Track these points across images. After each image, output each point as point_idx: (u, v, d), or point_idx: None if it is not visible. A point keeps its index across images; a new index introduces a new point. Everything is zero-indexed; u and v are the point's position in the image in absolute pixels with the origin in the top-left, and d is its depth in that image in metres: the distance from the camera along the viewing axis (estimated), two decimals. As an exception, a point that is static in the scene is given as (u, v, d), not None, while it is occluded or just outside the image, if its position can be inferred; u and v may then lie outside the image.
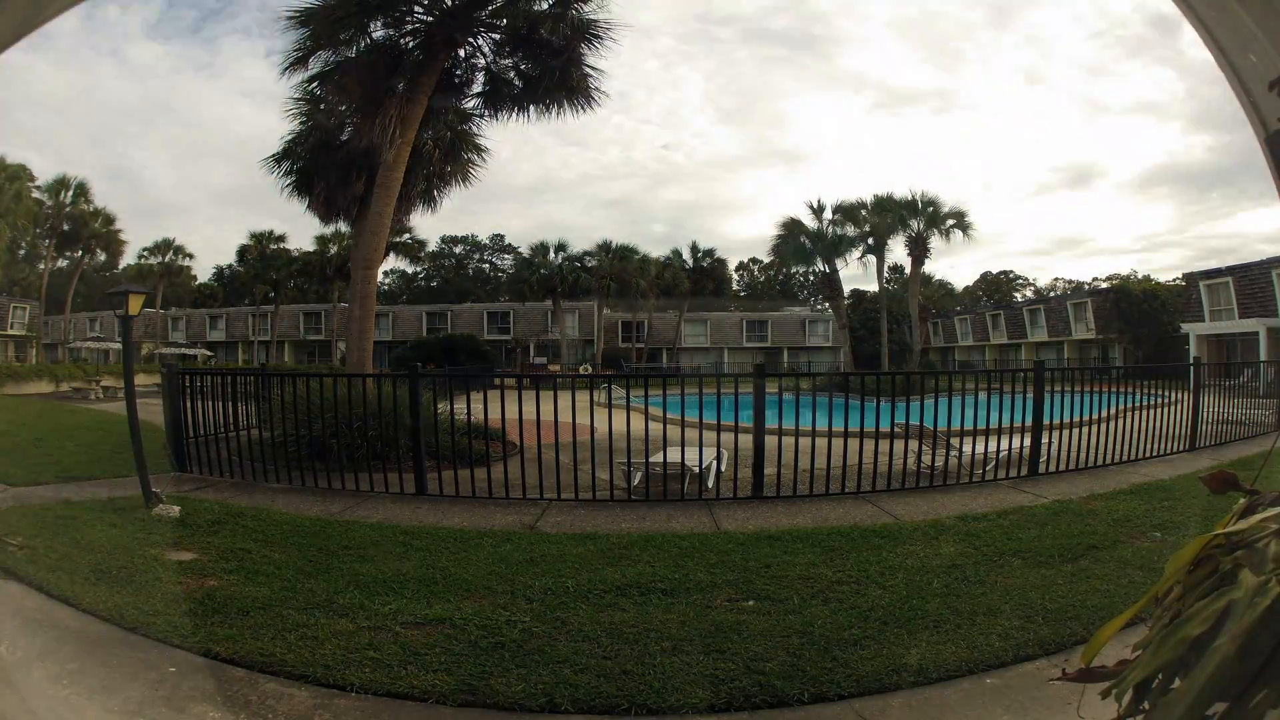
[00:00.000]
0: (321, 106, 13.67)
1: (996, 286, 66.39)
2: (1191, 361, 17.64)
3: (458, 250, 69.26)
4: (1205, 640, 0.90)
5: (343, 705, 2.96)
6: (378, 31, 11.49)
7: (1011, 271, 68.37)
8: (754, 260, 71.41)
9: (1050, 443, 7.85)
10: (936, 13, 67.34)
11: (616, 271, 43.90)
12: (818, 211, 36.96)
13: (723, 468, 7.61)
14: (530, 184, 77.20)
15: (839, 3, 70.17)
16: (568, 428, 9.33)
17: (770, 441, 7.01)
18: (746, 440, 7.71)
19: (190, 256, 49.04)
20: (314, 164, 14.12)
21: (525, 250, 48.71)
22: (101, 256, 44.24)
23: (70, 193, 39.43)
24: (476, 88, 12.59)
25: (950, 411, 7.62)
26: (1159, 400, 9.08)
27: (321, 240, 42.66)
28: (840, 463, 6.87)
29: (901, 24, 71.11)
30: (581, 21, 11.02)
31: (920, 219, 35.70)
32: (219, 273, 56.36)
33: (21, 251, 42.78)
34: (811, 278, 50.98)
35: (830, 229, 36.83)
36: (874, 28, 72.60)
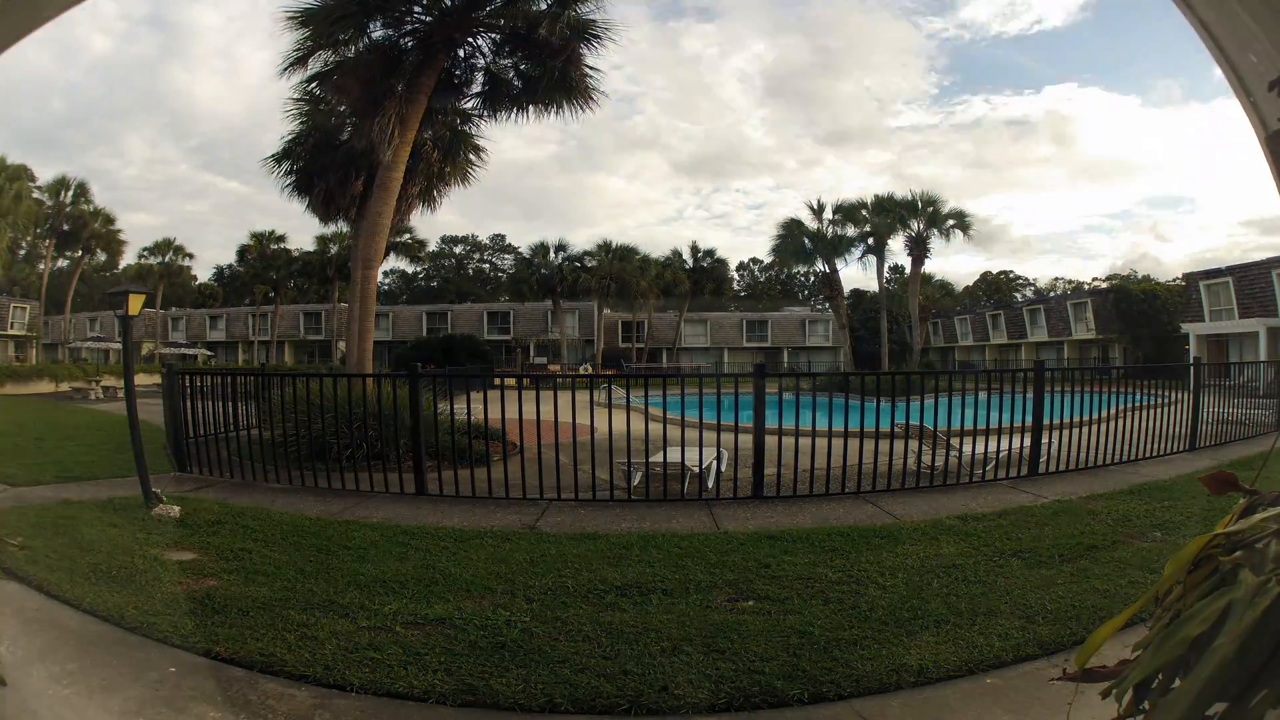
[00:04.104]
0: (321, 107, 13.68)
1: (996, 287, 66.41)
2: (1191, 361, 17.64)
3: (458, 250, 69.31)
4: (1205, 640, 0.90)
5: (343, 705, 2.96)
6: (377, 32, 11.49)
7: (1011, 271, 68.48)
8: (754, 260, 71.52)
9: (1050, 443, 7.85)
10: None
11: (616, 271, 43.93)
12: (818, 211, 36.99)
13: (723, 468, 7.61)
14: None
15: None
16: (568, 428, 9.32)
17: (770, 441, 7.00)
18: (746, 440, 7.71)
19: (190, 256, 49.15)
20: (314, 164, 14.13)
21: (525, 250, 48.78)
22: (101, 256, 44.29)
23: (70, 193, 39.47)
24: (476, 88, 12.60)
25: (950, 411, 7.61)
26: (1159, 400, 9.08)
27: (321, 240, 42.76)
28: (840, 463, 6.87)
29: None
30: (580, 22, 11.01)
31: (920, 219, 35.69)
32: (219, 273, 56.41)
33: (21, 251, 42.81)
34: (811, 278, 50.99)
35: (830, 229, 36.83)
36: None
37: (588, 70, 11.49)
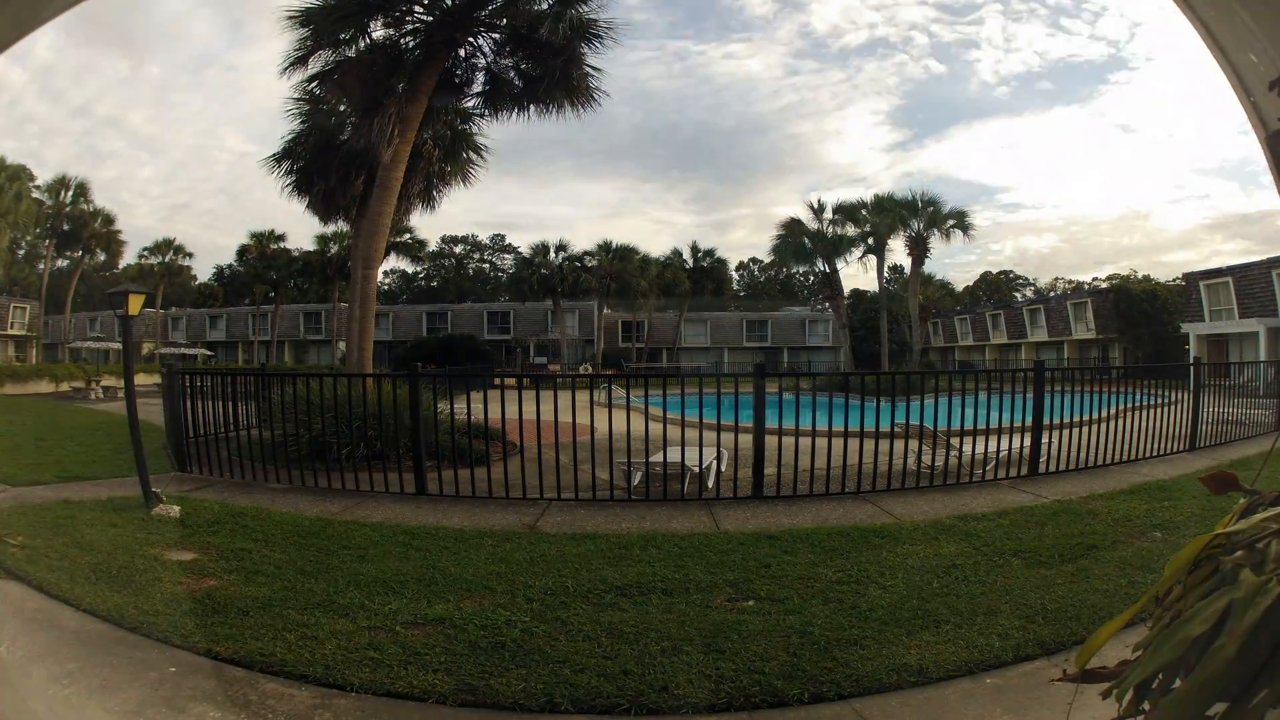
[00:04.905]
0: (321, 106, 13.69)
1: (996, 287, 66.41)
2: (1191, 361, 17.64)
3: (458, 250, 69.30)
4: (1205, 640, 0.90)
5: (343, 705, 2.96)
6: (377, 31, 11.52)
7: (1011, 271, 68.49)
8: (754, 260, 71.53)
9: (1050, 443, 7.85)
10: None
11: (616, 271, 43.91)
12: (818, 211, 37.01)
13: (723, 467, 7.61)
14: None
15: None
16: (568, 428, 9.33)
17: (770, 441, 7.00)
18: (746, 440, 7.71)
19: (190, 256, 49.14)
20: (314, 164, 14.14)
21: (525, 250, 48.77)
22: (101, 256, 44.28)
23: (70, 193, 39.47)
24: (476, 87, 12.62)
25: (950, 411, 7.62)
26: (1159, 400, 9.08)
27: (321, 240, 42.73)
28: (840, 463, 6.87)
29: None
30: (581, 21, 11.02)
31: (920, 219, 35.69)
32: (219, 273, 56.37)
33: (21, 251, 42.87)
34: (811, 278, 50.98)
35: (830, 229, 36.86)
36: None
37: (589, 70, 11.51)
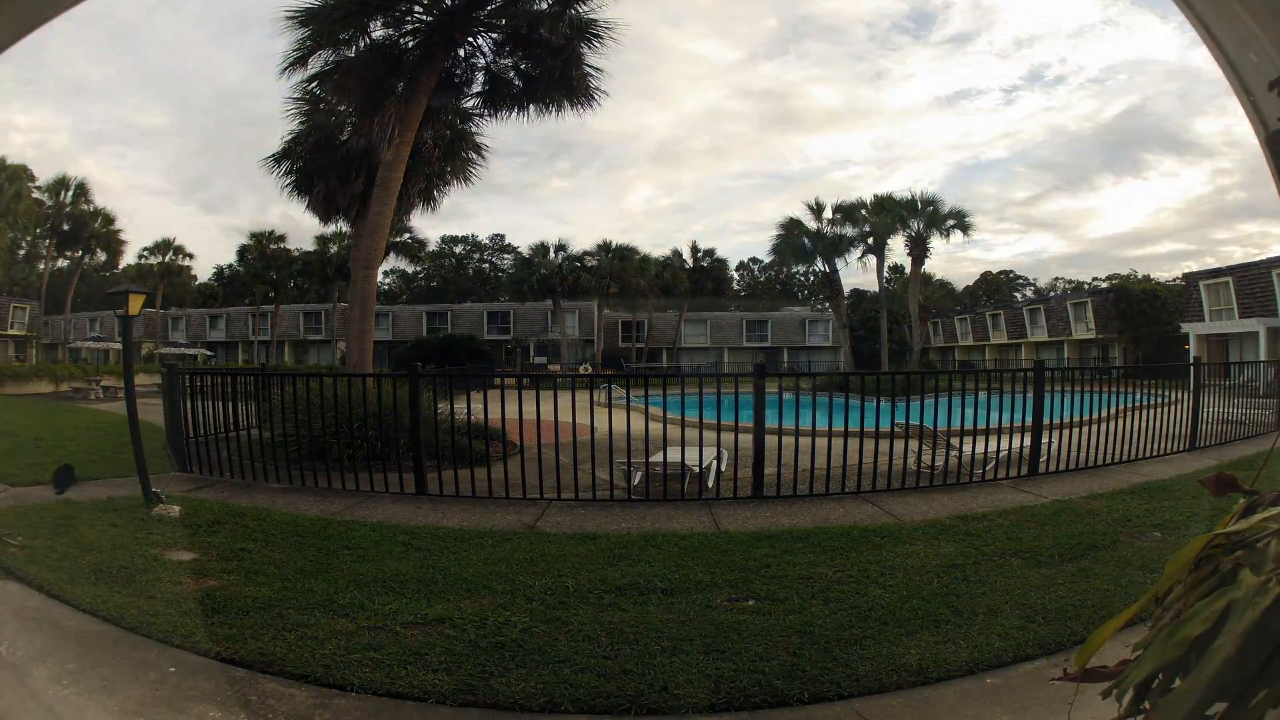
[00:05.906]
0: (321, 106, 13.68)
1: (996, 286, 66.43)
2: (1191, 361, 17.64)
3: (458, 250, 69.28)
4: (1205, 640, 0.90)
5: (343, 705, 2.96)
6: (377, 31, 11.48)
7: (1011, 271, 68.51)
8: (754, 260, 71.54)
9: (1050, 443, 7.85)
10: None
11: (616, 271, 43.91)
12: (817, 211, 36.99)
13: (723, 467, 7.61)
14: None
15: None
16: (568, 428, 9.34)
17: (770, 441, 7.00)
18: (746, 440, 7.71)
19: (190, 256, 49.16)
20: (314, 164, 14.12)
21: (525, 250, 48.76)
22: (101, 256, 44.31)
23: (70, 193, 39.49)
24: (476, 87, 12.59)
25: (950, 411, 7.62)
26: (1159, 400, 9.08)
27: (321, 240, 42.73)
28: (840, 463, 6.87)
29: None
30: (581, 21, 11.02)
31: (920, 219, 35.68)
32: (219, 273, 56.34)
33: (21, 251, 42.87)
34: (811, 278, 50.95)
35: (830, 229, 36.84)
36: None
37: (589, 70, 11.50)
